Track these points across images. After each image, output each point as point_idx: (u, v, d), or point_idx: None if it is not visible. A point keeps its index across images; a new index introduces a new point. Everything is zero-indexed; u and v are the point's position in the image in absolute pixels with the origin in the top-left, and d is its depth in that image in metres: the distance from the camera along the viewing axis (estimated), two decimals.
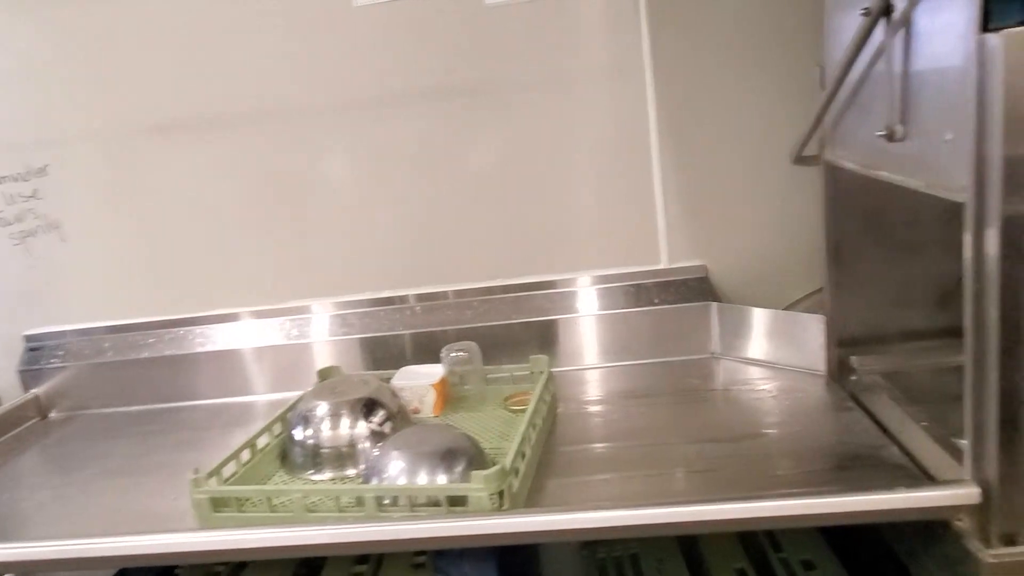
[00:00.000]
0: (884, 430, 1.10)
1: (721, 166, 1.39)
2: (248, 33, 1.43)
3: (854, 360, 1.28)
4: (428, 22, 1.39)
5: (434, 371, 1.29)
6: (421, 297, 1.52)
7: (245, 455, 1.12)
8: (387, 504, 0.98)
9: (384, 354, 1.50)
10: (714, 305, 1.40)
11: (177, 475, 1.15)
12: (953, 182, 0.80)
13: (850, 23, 1.00)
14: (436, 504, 0.93)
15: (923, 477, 0.94)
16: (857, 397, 1.23)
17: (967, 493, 0.82)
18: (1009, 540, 0.81)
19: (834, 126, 1.17)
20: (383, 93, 1.44)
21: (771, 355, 1.34)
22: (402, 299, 1.52)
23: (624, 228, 1.44)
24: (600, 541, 1.29)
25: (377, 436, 1.14)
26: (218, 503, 1.01)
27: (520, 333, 1.45)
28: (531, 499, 1.01)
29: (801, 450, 1.06)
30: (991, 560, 0.80)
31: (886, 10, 0.93)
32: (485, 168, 1.45)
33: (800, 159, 1.22)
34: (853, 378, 1.28)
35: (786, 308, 1.38)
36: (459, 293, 1.49)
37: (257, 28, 1.43)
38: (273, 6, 1.41)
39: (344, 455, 1.14)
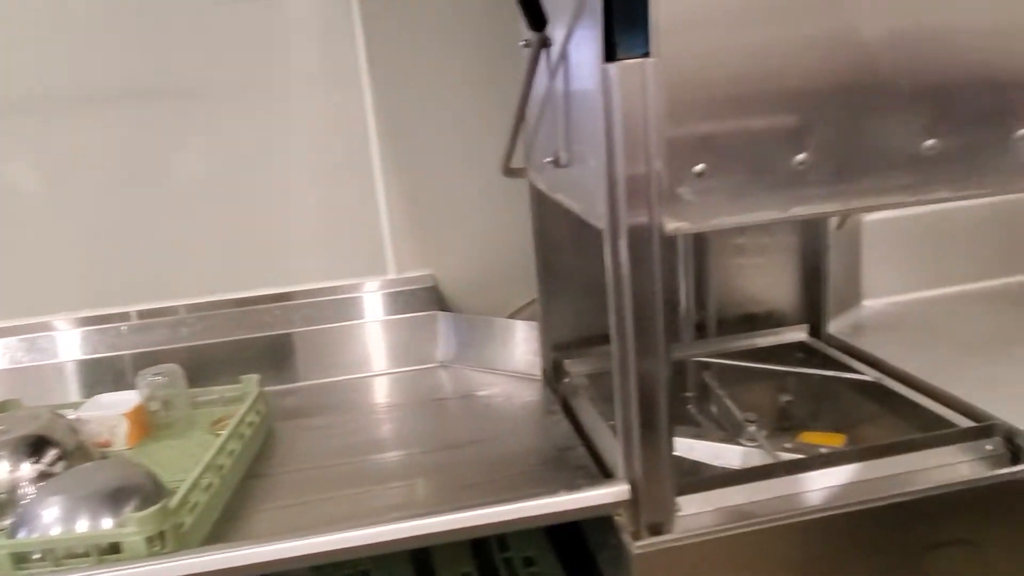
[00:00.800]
0: (580, 431, 1.16)
1: (445, 176, 1.41)
2: None
3: (567, 364, 1.35)
4: (121, 16, 1.26)
5: (128, 398, 1.17)
6: (142, 314, 1.38)
7: None
8: (37, 559, 0.86)
9: (93, 379, 1.35)
10: (440, 314, 1.40)
11: None
12: (598, 208, 0.85)
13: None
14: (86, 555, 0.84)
15: (599, 475, 1.00)
16: (566, 399, 1.29)
17: (618, 490, 0.87)
18: (656, 530, 0.88)
19: (528, 148, 1.22)
20: (77, 91, 1.29)
21: (493, 362, 1.37)
22: (115, 317, 1.38)
23: (350, 238, 1.40)
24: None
25: (47, 478, 1.01)
26: None
27: (243, 350, 1.37)
28: (218, 533, 0.94)
29: (500, 456, 1.09)
30: (638, 551, 0.86)
31: (544, 43, 0.98)
32: (198, 176, 1.34)
33: (508, 171, 1.26)
34: (566, 381, 1.34)
35: (509, 316, 1.42)
36: (172, 310, 1.37)
37: None
38: None
39: (2, 503, 0.99)
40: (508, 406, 1.25)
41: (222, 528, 0.95)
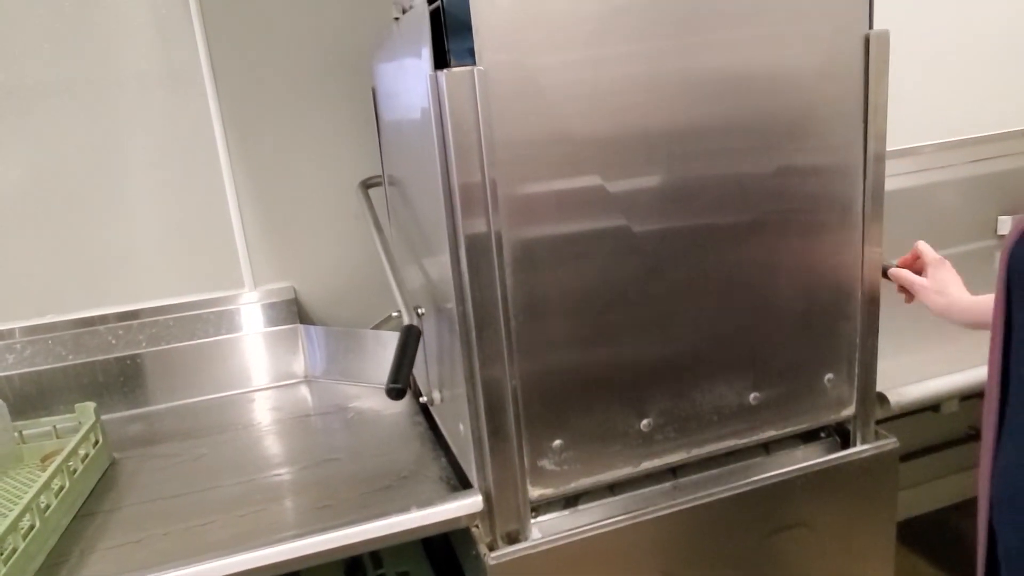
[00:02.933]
0: (442, 441, 1.15)
1: (300, 185, 1.35)
2: None
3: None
4: None
5: None
6: None
7: None
8: None
9: None
10: (302, 327, 1.35)
11: None
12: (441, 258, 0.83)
13: (385, 53, 1.01)
14: None
15: (459, 487, 0.98)
16: (430, 410, 1.27)
17: (471, 502, 0.86)
18: (512, 538, 0.88)
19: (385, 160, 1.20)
20: None
21: (359, 375, 1.33)
22: None
23: (201, 250, 1.32)
24: None
25: None
26: None
27: (81, 375, 1.26)
28: None
29: (362, 472, 1.05)
30: (493, 562, 0.85)
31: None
32: (13, 185, 1.22)
33: (365, 183, 1.23)
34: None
35: (374, 327, 1.39)
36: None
37: None
38: None
39: None
40: (373, 419, 1.22)
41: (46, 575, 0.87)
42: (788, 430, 0.97)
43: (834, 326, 0.96)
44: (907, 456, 1.05)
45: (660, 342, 0.89)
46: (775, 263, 0.91)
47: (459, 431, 0.93)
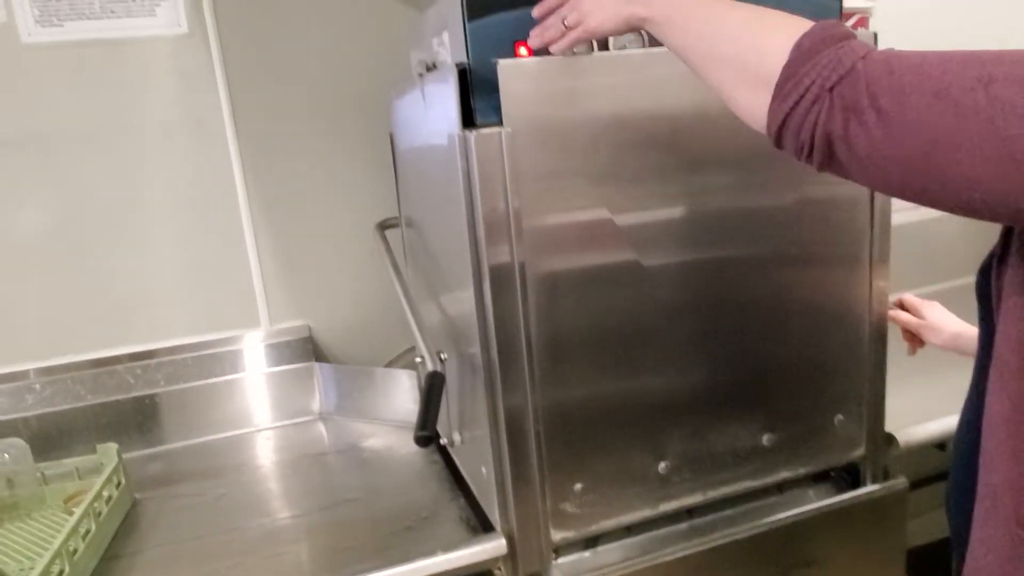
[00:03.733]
0: (460, 480, 1.16)
1: (316, 226, 1.38)
2: None
3: None
4: None
5: None
6: None
7: None
8: None
9: None
10: (317, 365, 1.37)
11: None
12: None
13: (406, 101, 1.04)
14: None
15: (479, 528, 1.00)
16: (447, 448, 1.29)
17: (495, 546, 0.89)
18: None
19: (401, 199, 1.23)
20: None
21: (373, 412, 1.35)
22: None
23: (218, 290, 1.35)
24: None
25: None
26: None
27: (100, 415, 1.28)
28: None
29: (381, 513, 1.07)
30: None
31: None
32: (44, 229, 1.25)
33: (382, 224, 1.25)
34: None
35: (387, 364, 1.41)
36: (18, 375, 1.26)
37: None
38: None
39: None
40: (389, 458, 1.24)
41: None
42: (801, 471, 0.99)
43: (844, 364, 0.99)
44: (914, 485, 1.08)
45: (677, 381, 0.91)
46: (787, 299, 0.94)
47: (481, 473, 0.95)
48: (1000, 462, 0.56)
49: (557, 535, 0.90)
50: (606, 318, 0.87)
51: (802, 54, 0.55)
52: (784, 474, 0.99)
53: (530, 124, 0.80)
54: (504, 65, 0.78)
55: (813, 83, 0.54)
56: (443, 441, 1.11)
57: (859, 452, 1.02)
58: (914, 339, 1.05)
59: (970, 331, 0.95)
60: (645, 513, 0.94)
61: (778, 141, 0.59)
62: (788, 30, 0.57)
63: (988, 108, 0.47)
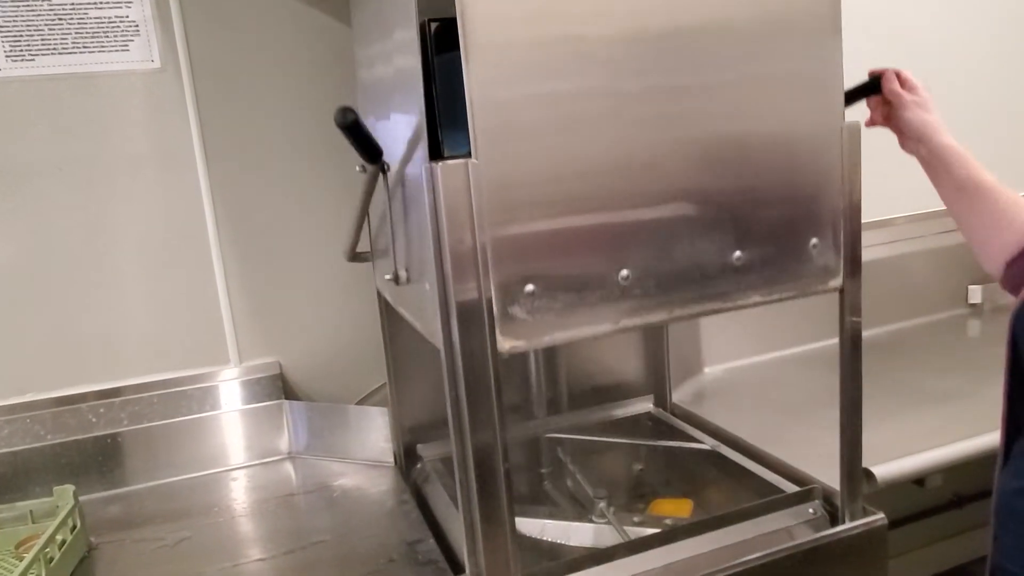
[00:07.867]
0: (432, 519, 1.13)
1: (287, 262, 1.36)
2: None
3: (420, 448, 1.33)
4: None
5: None
6: None
7: None
8: None
9: None
10: (287, 403, 1.34)
11: None
12: (432, 325, 0.85)
13: (383, 134, 1.04)
14: None
15: (447, 572, 0.97)
16: (419, 487, 1.26)
17: None
18: None
19: (374, 255, 1.21)
20: None
21: (344, 451, 1.32)
22: None
23: (186, 327, 1.32)
24: None
25: None
26: None
27: (59, 455, 1.23)
28: None
29: (349, 556, 1.03)
30: None
31: (382, 169, 0.99)
32: (6, 263, 1.22)
33: (354, 257, 1.24)
34: (419, 466, 1.31)
35: (358, 402, 1.38)
36: None
37: None
38: None
39: None
40: (359, 497, 1.20)
41: None
42: (775, 296, 0.93)
43: (816, 187, 0.94)
44: (892, 524, 1.06)
45: (640, 189, 0.85)
46: (757, 123, 0.90)
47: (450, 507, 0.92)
48: None
49: (506, 344, 0.81)
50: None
51: None
52: (756, 298, 0.92)
53: (498, 154, 0.79)
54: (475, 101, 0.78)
55: None
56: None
57: (836, 282, 0.95)
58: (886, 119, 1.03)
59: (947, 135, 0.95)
60: (604, 328, 0.85)
61: None
62: None
63: None
